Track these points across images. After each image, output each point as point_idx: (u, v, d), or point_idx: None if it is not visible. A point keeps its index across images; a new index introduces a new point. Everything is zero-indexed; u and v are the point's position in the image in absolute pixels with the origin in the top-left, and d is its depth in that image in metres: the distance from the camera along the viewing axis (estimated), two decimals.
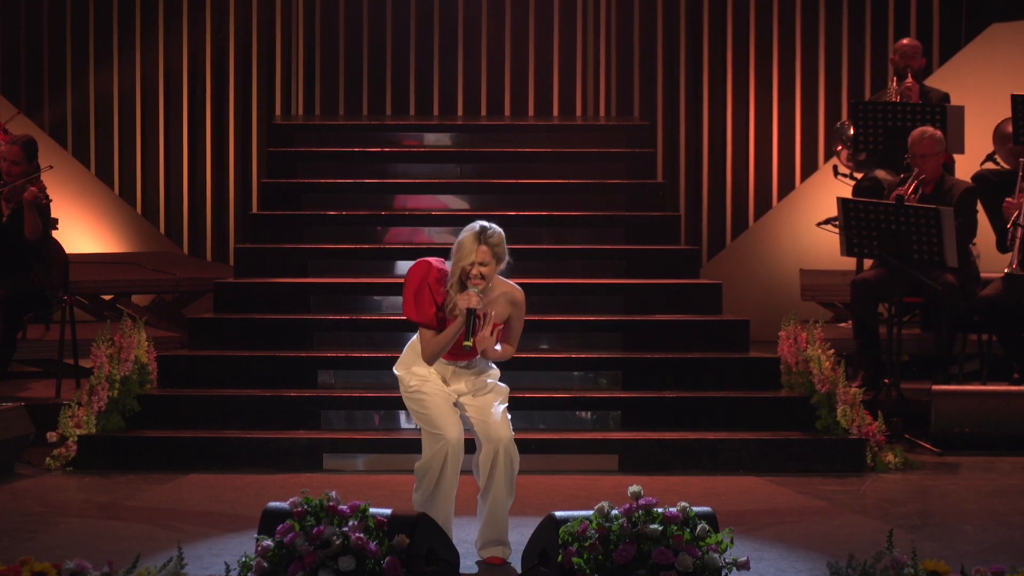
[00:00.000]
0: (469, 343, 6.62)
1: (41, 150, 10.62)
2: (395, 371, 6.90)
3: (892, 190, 10.38)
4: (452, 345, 6.70)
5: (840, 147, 11.98)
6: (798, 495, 8.40)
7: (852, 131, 11.60)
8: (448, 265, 6.72)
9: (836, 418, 9.22)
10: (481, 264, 6.62)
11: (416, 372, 6.83)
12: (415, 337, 6.84)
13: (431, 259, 6.80)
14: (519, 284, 6.88)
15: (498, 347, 6.77)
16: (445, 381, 6.84)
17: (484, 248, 6.62)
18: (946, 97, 11.61)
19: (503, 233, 6.71)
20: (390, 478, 8.66)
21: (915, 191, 10.25)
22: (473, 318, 6.61)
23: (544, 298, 10.39)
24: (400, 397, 9.42)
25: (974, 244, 10.74)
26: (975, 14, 13.26)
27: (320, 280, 10.59)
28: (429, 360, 6.77)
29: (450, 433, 6.73)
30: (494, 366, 6.94)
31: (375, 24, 13.78)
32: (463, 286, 6.64)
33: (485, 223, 6.69)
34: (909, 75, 11.60)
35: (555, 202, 11.44)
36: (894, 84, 11.68)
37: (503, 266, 6.74)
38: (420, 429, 6.87)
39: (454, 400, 6.83)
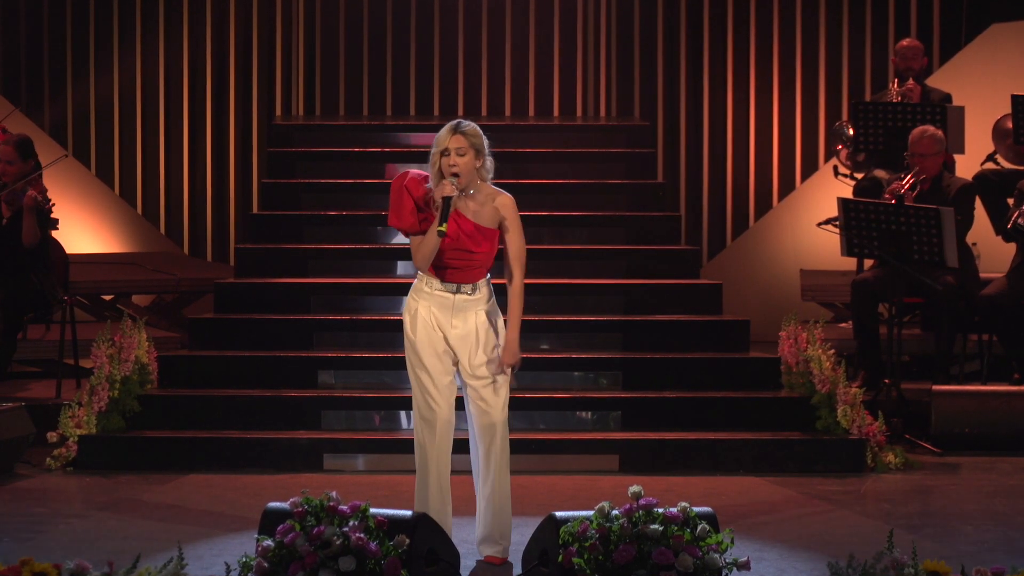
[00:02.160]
0: (442, 228, 6.60)
1: (41, 150, 10.62)
2: (403, 318, 6.84)
3: (890, 186, 10.38)
4: (446, 258, 6.66)
5: (840, 146, 11.98)
6: (798, 495, 8.40)
7: (851, 131, 11.60)
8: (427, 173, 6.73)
9: (836, 418, 9.22)
10: (457, 152, 6.62)
11: (421, 314, 6.76)
12: (416, 280, 6.82)
13: (409, 169, 6.82)
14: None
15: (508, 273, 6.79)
16: (450, 316, 6.77)
17: (459, 136, 6.65)
18: (948, 98, 11.61)
19: (480, 131, 6.72)
20: (390, 478, 8.66)
21: (912, 188, 10.26)
22: (449, 207, 6.59)
23: (544, 298, 10.39)
24: (401, 398, 9.46)
25: (975, 244, 10.74)
26: (975, 14, 13.26)
27: (320, 280, 10.59)
28: (421, 265, 6.73)
29: (440, 414, 6.75)
30: (496, 305, 6.86)
31: (375, 24, 13.78)
32: (442, 179, 6.64)
33: (462, 119, 6.74)
34: (911, 77, 11.60)
35: (555, 202, 11.43)
36: (895, 86, 11.67)
37: (485, 165, 6.72)
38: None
39: (454, 369, 6.79)
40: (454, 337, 6.75)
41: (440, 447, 6.76)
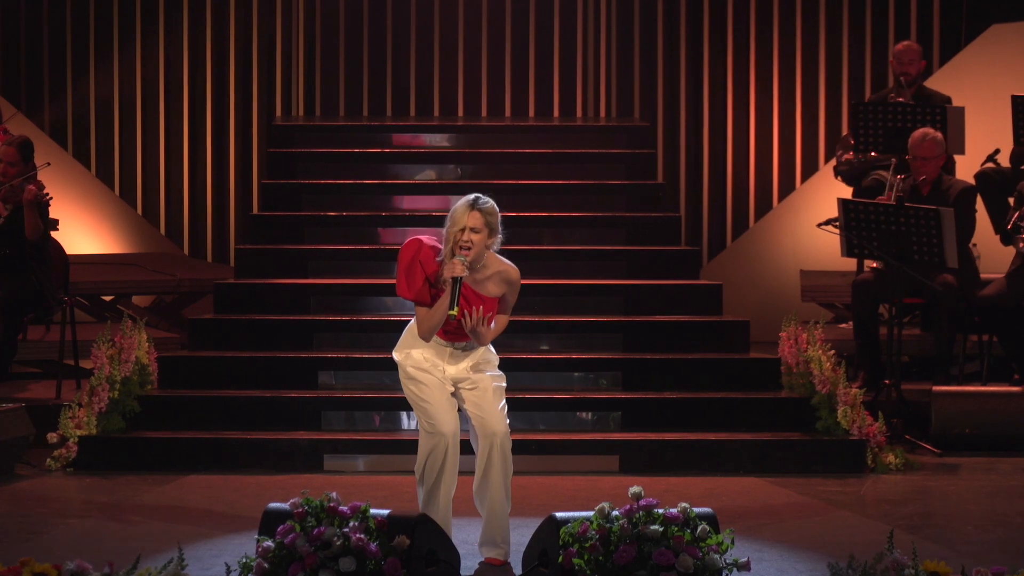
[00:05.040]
0: (454, 312, 6.61)
1: (41, 151, 10.61)
2: (393, 356, 6.88)
3: (891, 190, 10.39)
4: (446, 320, 6.69)
5: (840, 151, 11.93)
6: (799, 496, 8.40)
7: (853, 143, 11.59)
8: (439, 243, 6.73)
9: (836, 419, 9.22)
10: (472, 230, 6.62)
11: (413, 356, 6.81)
12: (413, 320, 6.85)
13: (422, 236, 6.83)
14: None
15: (492, 324, 6.78)
16: (444, 363, 6.79)
17: (476, 213, 6.64)
18: (947, 101, 11.59)
19: (496, 207, 6.71)
20: (391, 479, 8.66)
21: (912, 191, 10.26)
22: (459, 287, 6.61)
23: (544, 299, 10.39)
24: (401, 398, 9.44)
25: (974, 245, 10.74)
26: (975, 15, 13.26)
27: (320, 281, 10.60)
28: (425, 336, 6.76)
29: (446, 427, 6.74)
30: (492, 350, 6.92)
31: (375, 25, 13.79)
32: (454, 256, 6.65)
33: (479, 194, 6.72)
34: (908, 85, 11.61)
35: (556, 203, 11.44)
36: (901, 95, 11.64)
37: (496, 242, 6.73)
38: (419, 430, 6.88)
39: (451, 391, 6.82)
40: (447, 379, 6.79)
41: (448, 462, 6.76)
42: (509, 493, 6.83)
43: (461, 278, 6.61)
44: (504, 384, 6.88)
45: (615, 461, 9.10)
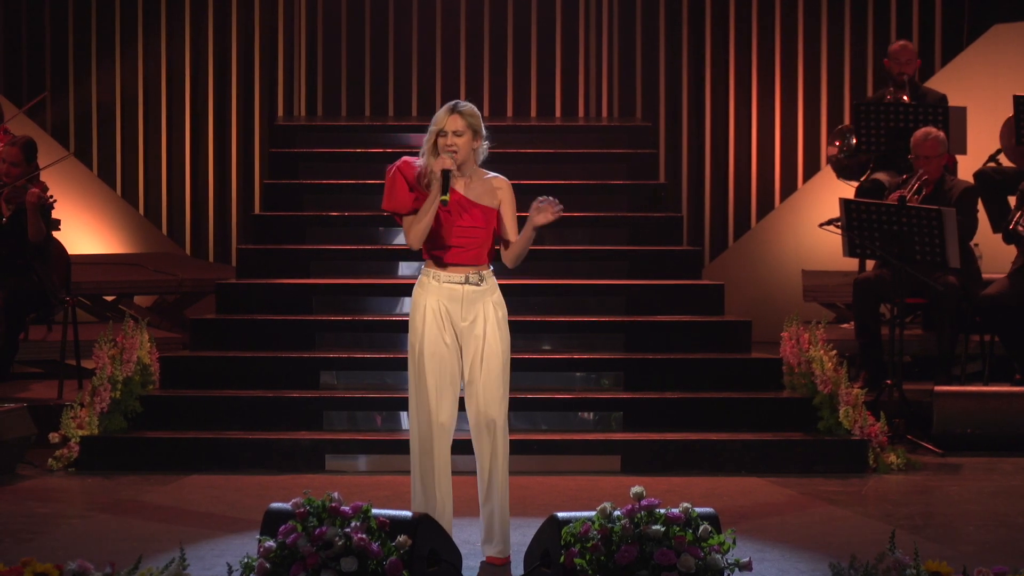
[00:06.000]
0: (446, 197, 6.60)
1: (43, 150, 10.61)
2: (408, 316, 6.80)
3: (893, 191, 10.40)
4: (433, 220, 6.62)
5: (838, 142, 11.92)
6: (800, 496, 8.40)
7: (854, 141, 11.59)
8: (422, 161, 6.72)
9: (838, 419, 9.22)
10: (455, 133, 6.64)
11: (430, 305, 6.69)
12: (422, 275, 6.79)
13: (405, 157, 6.81)
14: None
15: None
16: (460, 309, 6.72)
17: (456, 116, 6.65)
18: (943, 99, 11.59)
19: (477, 110, 6.73)
20: (392, 479, 8.66)
21: (917, 191, 10.27)
22: (448, 178, 6.60)
23: (546, 299, 10.39)
24: (403, 398, 9.45)
25: (976, 245, 10.74)
26: (977, 15, 13.26)
27: (322, 281, 10.60)
28: (415, 243, 6.71)
29: (442, 417, 6.72)
30: (500, 297, 6.83)
31: (377, 25, 13.79)
32: (437, 155, 6.64)
33: (458, 100, 6.74)
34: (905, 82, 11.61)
35: None
36: (901, 94, 11.64)
37: (482, 147, 6.74)
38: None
39: (457, 370, 6.76)
40: (464, 330, 6.73)
41: (442, 451, 6.75)
42: (506, 479, 6.79)
43: (450, 171, 6.59)
44: (508, 349, 6.78)
45: (617, 461, 9.10)
